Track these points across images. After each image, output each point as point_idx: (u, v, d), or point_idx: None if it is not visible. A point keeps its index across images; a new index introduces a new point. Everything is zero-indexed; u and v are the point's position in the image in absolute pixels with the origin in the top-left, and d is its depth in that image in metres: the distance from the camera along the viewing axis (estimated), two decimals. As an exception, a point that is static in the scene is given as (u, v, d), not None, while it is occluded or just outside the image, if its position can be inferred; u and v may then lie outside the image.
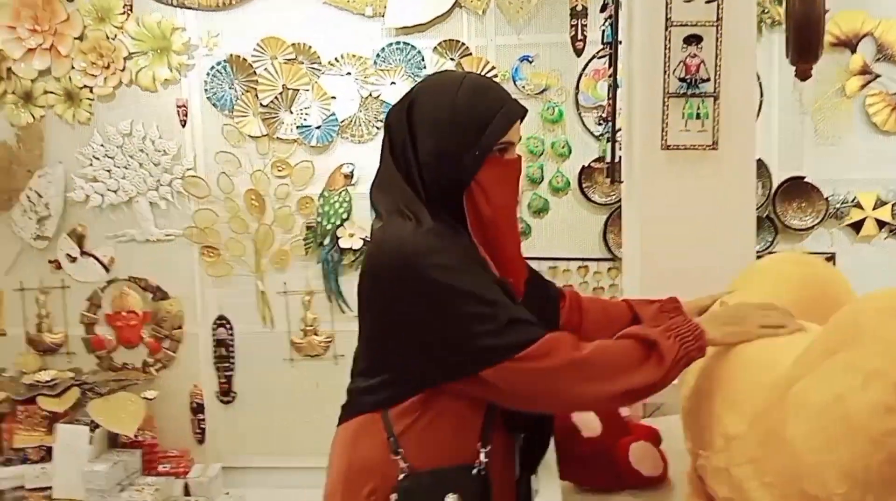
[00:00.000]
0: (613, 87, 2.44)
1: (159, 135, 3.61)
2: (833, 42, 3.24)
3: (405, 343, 1.26)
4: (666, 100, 2.20)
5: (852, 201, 3.34)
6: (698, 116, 2.22)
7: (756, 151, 2.34)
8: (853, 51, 3.26)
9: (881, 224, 3.33)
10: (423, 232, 1.24)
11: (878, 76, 3.26)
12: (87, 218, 3.70)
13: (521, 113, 1.32)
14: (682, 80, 2.20)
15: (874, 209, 3.32)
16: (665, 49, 2.19)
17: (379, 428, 1.29)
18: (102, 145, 3.64)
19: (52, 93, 3.64)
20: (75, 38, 3.58)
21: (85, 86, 3.61)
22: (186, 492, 3.44)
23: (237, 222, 3.64)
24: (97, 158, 3.66)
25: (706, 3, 2.14)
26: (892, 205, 3.32)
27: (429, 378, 1.26)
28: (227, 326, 3.73)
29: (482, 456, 1.29)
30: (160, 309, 3.70)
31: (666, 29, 2.19)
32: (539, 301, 1.47)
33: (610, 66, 2.47)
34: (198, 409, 3.73)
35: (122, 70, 3.58)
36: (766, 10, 3.26)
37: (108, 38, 3.57)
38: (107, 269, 3.71)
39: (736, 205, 2.28)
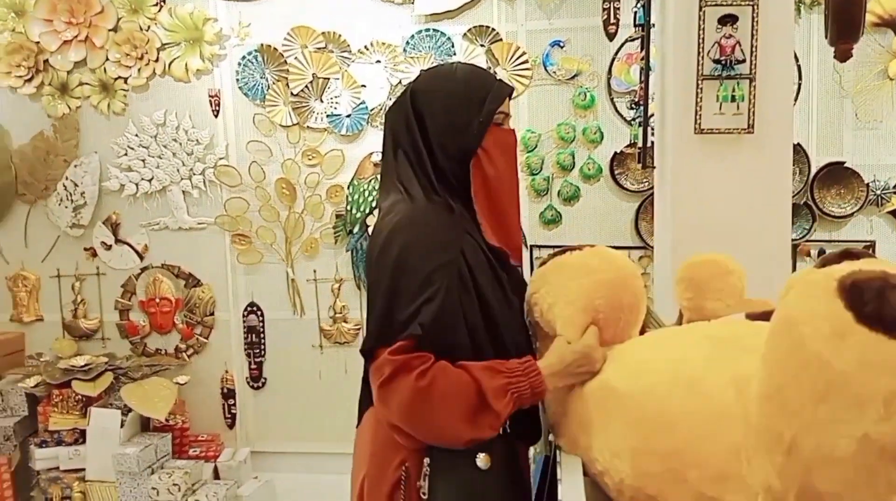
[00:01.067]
0: (646, 70, 2.39)
1: (192, 125, 3.65)
2: (875, 22, 3.13)
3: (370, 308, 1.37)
4: (700, 82, 2.15)
5: (894, 187, 3.24)
6: (733, 99, 2.17)
7: (794, 135, 2.27)
8: (896, 31, 3.16)
9: (923, 211, 3.23)
10: (412, 207, 1.37)
11: (922, 58, 3.15)
12: (121, 206, 3.75)
13: (511, 88, 1.50)
14: (716, 61, 2.15)
15: (917, 196, 3.22)
16: (699, 30, 2.14)
17: None
18: (137, 135, 3.69)
19: (87, 84, 3.69)
20: (109, 30, 3.63)
21: (119, 78, 3.67)
22: (216, 476, 3.48)
23: (268, 210, 3.66)
24: (132, 148, 3.70)
25: (742, -19, 2.08)
26: (936, 192, 3.21)
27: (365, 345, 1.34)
28: (258, 313, 3.76)
29: None
30: (192, 295, 3.74)
31: (700, 9, 2.14)
32: None
33: (642, 49, 2.42)
34: (228, 394, 3.78)
35: (156, 61, 3.62)
36: (804, -10, 3.18)
37: (141, 29, 3.61)
38: (140, 257, 3.76)
39: (772, 191, 2.22)
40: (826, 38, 2.19)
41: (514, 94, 3.41)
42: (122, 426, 3.29)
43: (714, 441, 0.99)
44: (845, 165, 3.24)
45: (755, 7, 2.12)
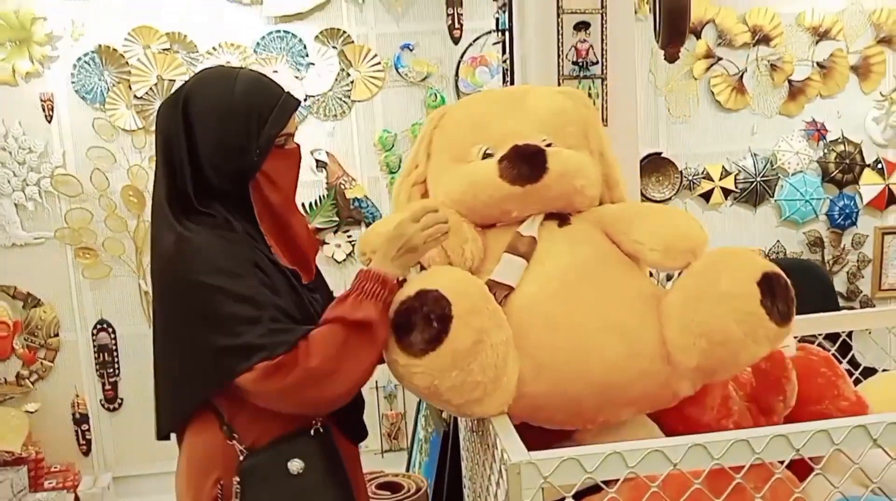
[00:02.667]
0: (511, 72, 2.61)
1: (23, 132, 3.37)
2: (682, 30, 3.61)
3: (184, 353, 1.31)
4: (561, 81, 2.40)
5: (702, 173, 3.75)
6: (590, 97, 2.44)
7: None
8: (698, 37, 3.64)
9: (726, 192, 3.76)
10: (186, 238, 1.27)
11: (719, 59, 3.66)
12: (-58, 224, 3.37)
13: (296, 104, 1.39)
14: (574, 62, 2.41)
15: (720, 179, 3.74)
16: (558, 35, 2.39)
17: (211, 420, 1.33)
18: (-43, 146, 3.34)
19: None
20: (-84, 29, 3.25)
21: (-65, 83, 3.29)
22: (79, 507, 3.26)
23: (114, 220, 3.47)
24: (-48, 160, 3.35)
25: (592, -10, 2.36)
26: (734, 176, 3.75)
27: (201, 387, 1.30)
28: (109, 330, 3.55)
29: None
30: (33, 317, 3.46)
31: (558, 16, 2.39)
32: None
33: (505, 52, 2.64)
34: (81, 420, 3.53)
35: (-24, 64, 3.30)
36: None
37: (-45, 28, 3.28)
38: (-32, 279, 3.41)
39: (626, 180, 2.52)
40: (657, 41, 2.54)
41: (369, 96, 3.53)
42: (-34, 465, 2.99)
43: None
44: (662, 155, 3.71)
45: (603, 15, 2.41)
